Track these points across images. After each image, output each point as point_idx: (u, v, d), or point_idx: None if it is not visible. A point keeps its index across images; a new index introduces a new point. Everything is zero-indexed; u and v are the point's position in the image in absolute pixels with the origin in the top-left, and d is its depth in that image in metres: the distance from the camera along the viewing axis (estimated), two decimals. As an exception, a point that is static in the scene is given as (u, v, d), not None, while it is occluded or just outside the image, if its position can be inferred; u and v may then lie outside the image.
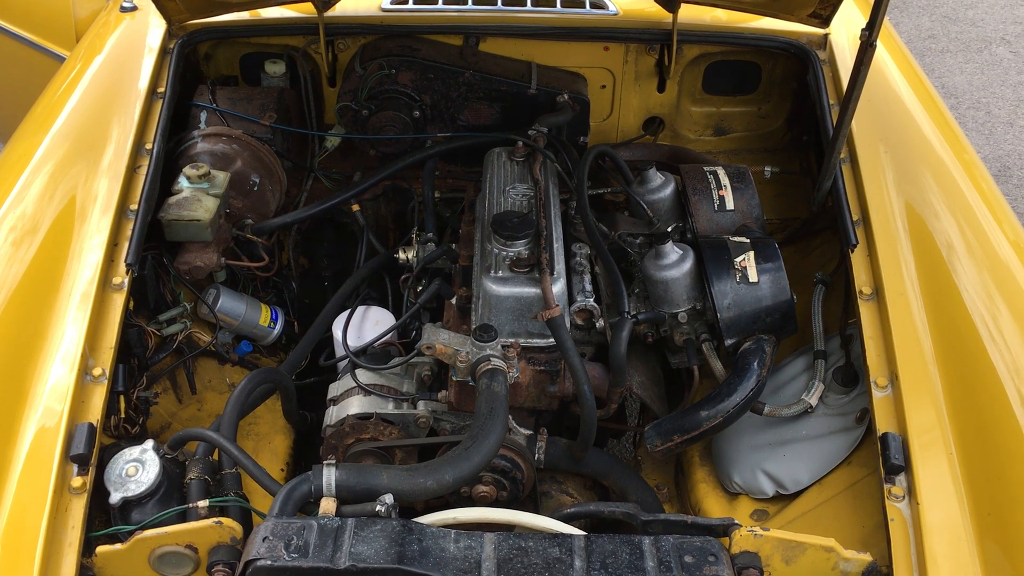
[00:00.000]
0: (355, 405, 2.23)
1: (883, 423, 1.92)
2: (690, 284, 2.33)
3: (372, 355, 2.42)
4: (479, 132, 2.95)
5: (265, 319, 2.71)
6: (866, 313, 2.14)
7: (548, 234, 2.32)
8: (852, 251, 2.28)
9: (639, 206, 2.62)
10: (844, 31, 2.91)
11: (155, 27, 2.87)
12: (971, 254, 2.21)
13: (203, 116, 2.77)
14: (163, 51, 2.78)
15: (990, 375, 1.93)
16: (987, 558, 1.68)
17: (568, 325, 2.21)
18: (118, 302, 2.11)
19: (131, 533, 1.72)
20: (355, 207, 2.89)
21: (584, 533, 1.70)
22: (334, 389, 2.35)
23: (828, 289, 2.46)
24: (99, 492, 1.84)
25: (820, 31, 2.86)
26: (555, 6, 3.02)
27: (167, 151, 2.56)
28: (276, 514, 1.67)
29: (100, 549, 1.70)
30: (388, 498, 1.70)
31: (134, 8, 3.03)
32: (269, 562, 1.53)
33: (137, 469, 1.86)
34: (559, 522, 1.83)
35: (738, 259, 2.30)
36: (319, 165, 3.01)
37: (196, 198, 2.48)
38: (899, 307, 2.10)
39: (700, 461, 2.42)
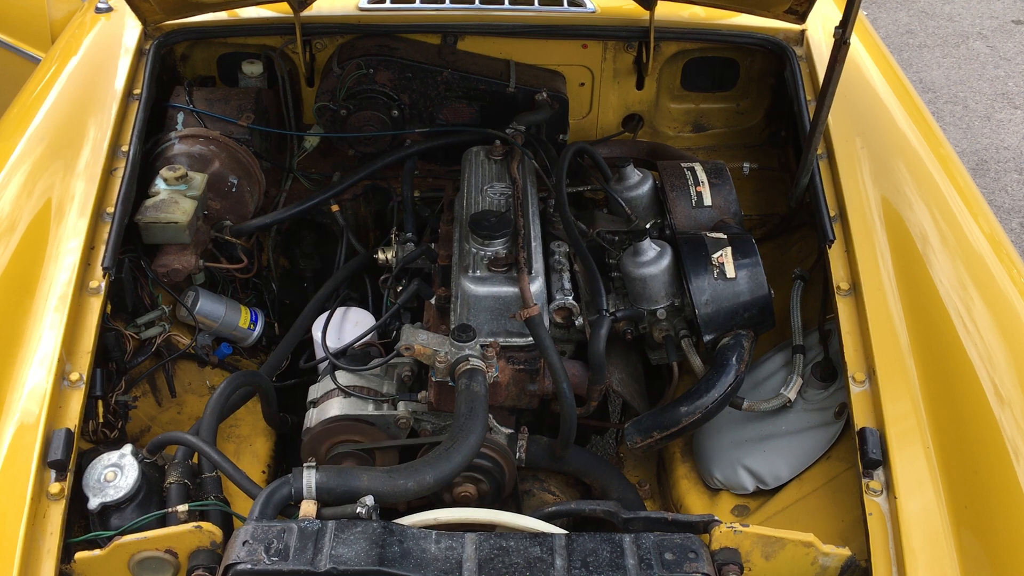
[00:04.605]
0: (335, 407, 2.23)
1: (861, 418, 1.94)
2: (668, 281, 2.33)
3: (352, 356, 2.42)
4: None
5: (245, 321, 2.70)
6: (844, 308, 2.16)
7: (526, 233, 2.32)
8: (829, 247, 2.30)
9: (617, 203, 2.62)
10: (820, 27, 2.92)
11: (131, 28, 2.86)
12: (946, 247, 2.23)
13: (180, 117, 2.75)
14: (139, 52, 2.76)
15: (965, 368, 1.95)
16: (964, 550, 1.70)
17: (547, 323, 2.21)
18: (95, 306, 2.10)
19: (110, 539, 1.71)
20: (335, 207, 2.88)
21: (565, 532, 1.70)
22: (314, 391, 2.34)
23: (806, 284, 2.47)
24: (77, 498, 1.83)
25: (797, 27, 2.87)
26: (533, 4, 3.02)
27: (144, 153, 2.55)
28: (256, 517, 1.67)
29: (79, 555, 1.69)
30: (369, 500, 1.70)
31: (109, 9, 3.01)
32: (249, 566, 1.52)
33: (116, 474, 1.85)
34: (540, 521, 1.84)
35: (715, 255, 2.30)
36: (298, 165, 3.00)
37: (173, 200, 2.46)
38: (876, 302, 2.11)
39: (682, 457, 2.43)
